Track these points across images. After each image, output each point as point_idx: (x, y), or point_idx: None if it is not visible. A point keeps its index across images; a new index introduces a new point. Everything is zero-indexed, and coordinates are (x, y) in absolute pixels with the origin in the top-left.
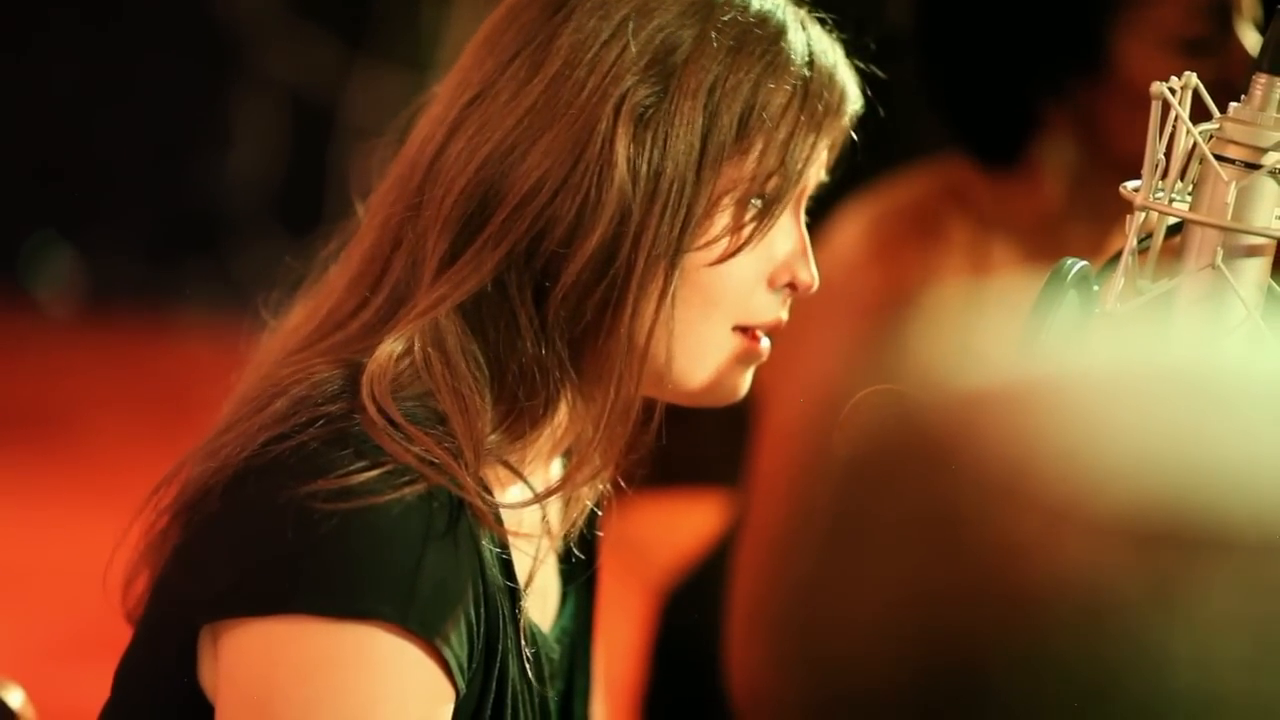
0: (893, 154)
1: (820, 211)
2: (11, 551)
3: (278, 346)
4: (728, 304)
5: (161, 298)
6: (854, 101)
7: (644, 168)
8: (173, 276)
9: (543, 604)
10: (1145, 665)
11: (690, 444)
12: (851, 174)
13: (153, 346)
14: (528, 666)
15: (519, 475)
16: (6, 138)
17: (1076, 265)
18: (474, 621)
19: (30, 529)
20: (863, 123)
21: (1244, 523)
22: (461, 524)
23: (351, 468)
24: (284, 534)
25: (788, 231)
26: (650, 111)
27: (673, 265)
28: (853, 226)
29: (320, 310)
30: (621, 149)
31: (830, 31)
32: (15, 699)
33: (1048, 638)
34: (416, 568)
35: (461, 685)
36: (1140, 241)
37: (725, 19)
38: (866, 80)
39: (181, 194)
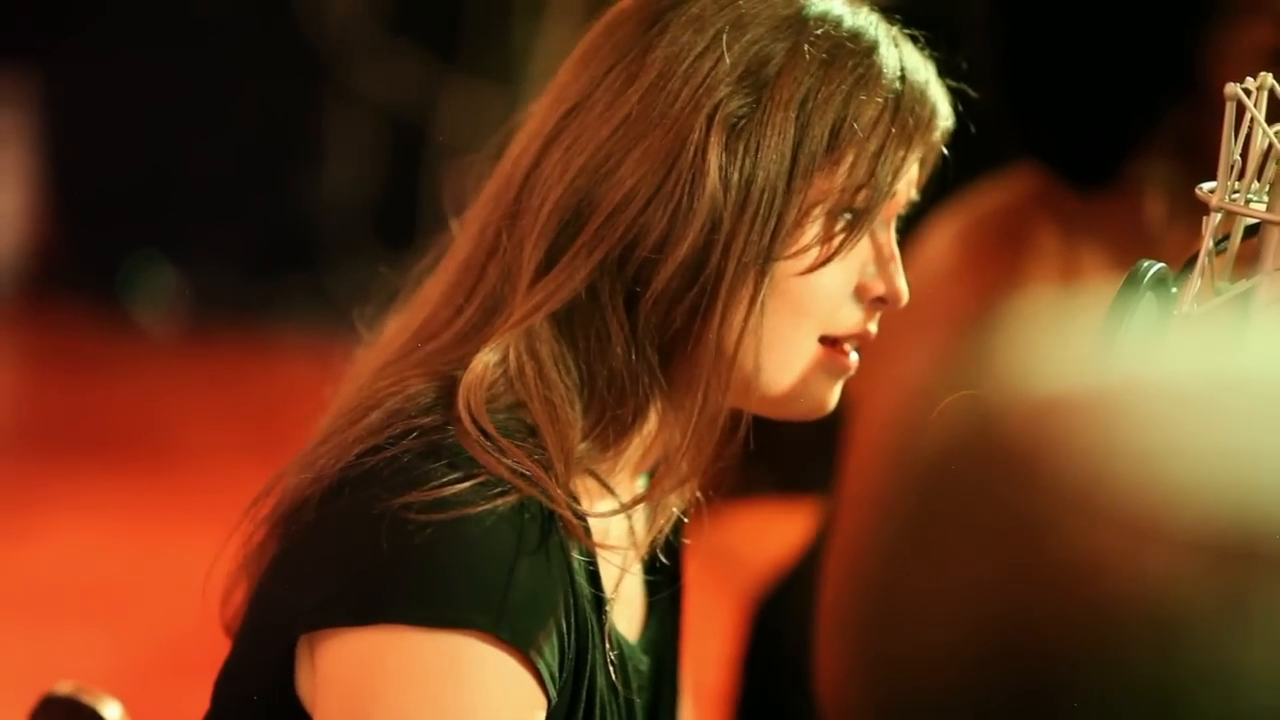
0: (982, 163)
1: (910, 221)
2: (114, 568)
3: (373, 360)
4: (816, 314)
5: (260, 316)
6: (945, 118)
7: (735, 176)
8: (271, 294)
9: (629, 614)
10: (1219, 681)
11: (781, 453)
12: (941, 184)
13: (251, 364)
14: (615, 677)
15: (606, 487)
16: (105, 160)
17: (1154, 268)
18: (565, 632)
19: (132, 546)
20: (954, 134)
21: None
22: (553, 536)
23: (445, 479)
24: (379, 545)
25: (879, 244)
26: (743, 122)
27: (762, 273)
28: (942, 236)
29: (415, 322)
30: (714, 158)
31: (922, 49)
32: (114, 713)
33: (1122, 650)
34: (509, 578)
35: (553, 695)
36: (1219, 244)
37: (818, 33)
38: (958, 96)
39: (278, 213)
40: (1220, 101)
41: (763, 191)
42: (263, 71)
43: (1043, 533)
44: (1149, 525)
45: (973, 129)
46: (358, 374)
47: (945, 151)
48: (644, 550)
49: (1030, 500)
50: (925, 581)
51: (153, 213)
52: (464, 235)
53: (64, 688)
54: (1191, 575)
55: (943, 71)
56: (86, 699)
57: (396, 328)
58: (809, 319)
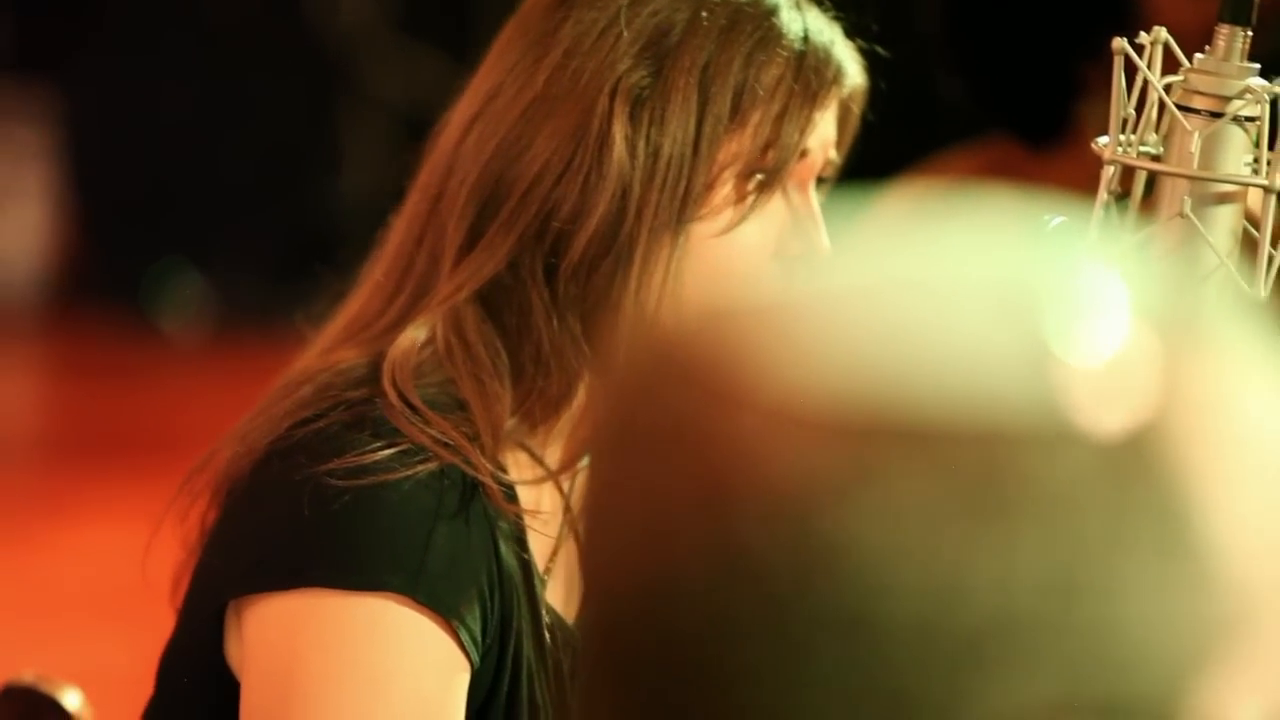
0: (941, 139)
1: (866, 191)
2: (141, 573)
3: (314, 349)
4: (738, 275)
5: (283, 319)
6: (852, 77)
7: (642, 145)
8: (293, 298)
9: (567, 593)
10: (844, 557)
11: None
12: (899, 156)
13: (277, 368)
14: (546, 649)
15: (538, 460)
16: (126, 171)
17: (1056, 221)
18: (488, 598)
19: (159, 552)
20: (912, 108)
21: (948, 413)
22: (475, 503)
23: (367, 448)
24: (300, 511)
25: (797, 204)
26: (646, 92)
27: (676, 235)
28: (899, 203)
29: (350, 311)
30: (619, 130)
31: (826, 11)
32: (74, 702)
33: (749, 535)
34: (426, 542)
35: (475, 659)
36: (1122, 199)
37: (718, 1)
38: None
39: (299, 216)
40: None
41: (670, 158)
42: (277, 77)
43: (694, 428)
44: (781, 409)
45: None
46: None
47: (860, 111)
48: (579, 524)
49: (685, 398)
50: (610, 482)
51: (175, 221)
52: (396, 225)
53: (26, 677)
54: (818, 455)
55: (852, 33)
56: (46, 688)
57: (336, 319)
58: (731, 280)
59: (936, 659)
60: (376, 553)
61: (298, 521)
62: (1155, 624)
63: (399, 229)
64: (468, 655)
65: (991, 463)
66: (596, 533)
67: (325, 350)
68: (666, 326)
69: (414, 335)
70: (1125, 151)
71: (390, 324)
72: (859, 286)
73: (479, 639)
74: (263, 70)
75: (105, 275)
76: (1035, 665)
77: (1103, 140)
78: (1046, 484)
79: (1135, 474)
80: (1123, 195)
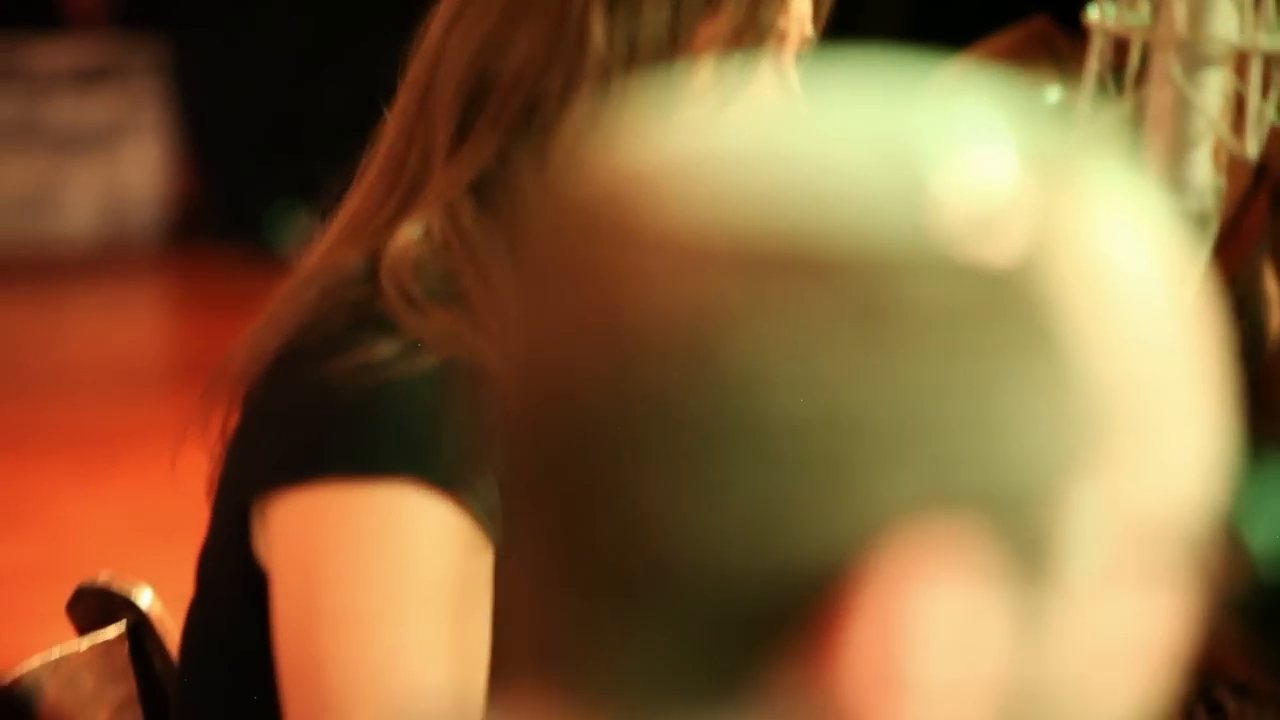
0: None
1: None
2: None
3: (315, 251)
4: None
5: None
6: None
7: (619, 37)
8: None
9: None
10: (733, 378)
11: None
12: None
13: None
14: None
15: None
16: (241, 112)
17: (1053, 93)
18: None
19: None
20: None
21: (835, 246)
22: (480, 391)
23: (372, 345)
24: (311, 410)
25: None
26: None
27: None
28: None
29: (348, 210)
30: (596, 22)
31: None
32: (145, 599)
33: (647, 360)
34: (436, 430)
35: (496, 535)
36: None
37: None
38: None
39: None
40: None
41: (648, 46)
42: (387, 14)
43: (596, 267)
44: (680, 245)
45: None
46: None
47: None
48: None
49: (591, 241)
50: (528, 317)
51: (289, 160)
52: (386, 129)
53: (100, 577)
54: (716, 286)
55: None
56: (119, 587)
57: (335, 220)
58: None
59: (817, 462)
60: (388, 442)
61: (309, 420)
62: (1024, 424)
63: (389, 127)
64: (488, 535)
65: (875, 290)
66: (506, 363)
67: (325, 251)
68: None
69: (410, 231)
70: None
71: (386, 221)
72: (755, 134)
73: (498, 518)
74: (374, 7)
75: (223, 214)
76: (910, 463)
77: (1093, 11)
78: (925, 308)
79: (1008, 299)
80: (1119, 68)
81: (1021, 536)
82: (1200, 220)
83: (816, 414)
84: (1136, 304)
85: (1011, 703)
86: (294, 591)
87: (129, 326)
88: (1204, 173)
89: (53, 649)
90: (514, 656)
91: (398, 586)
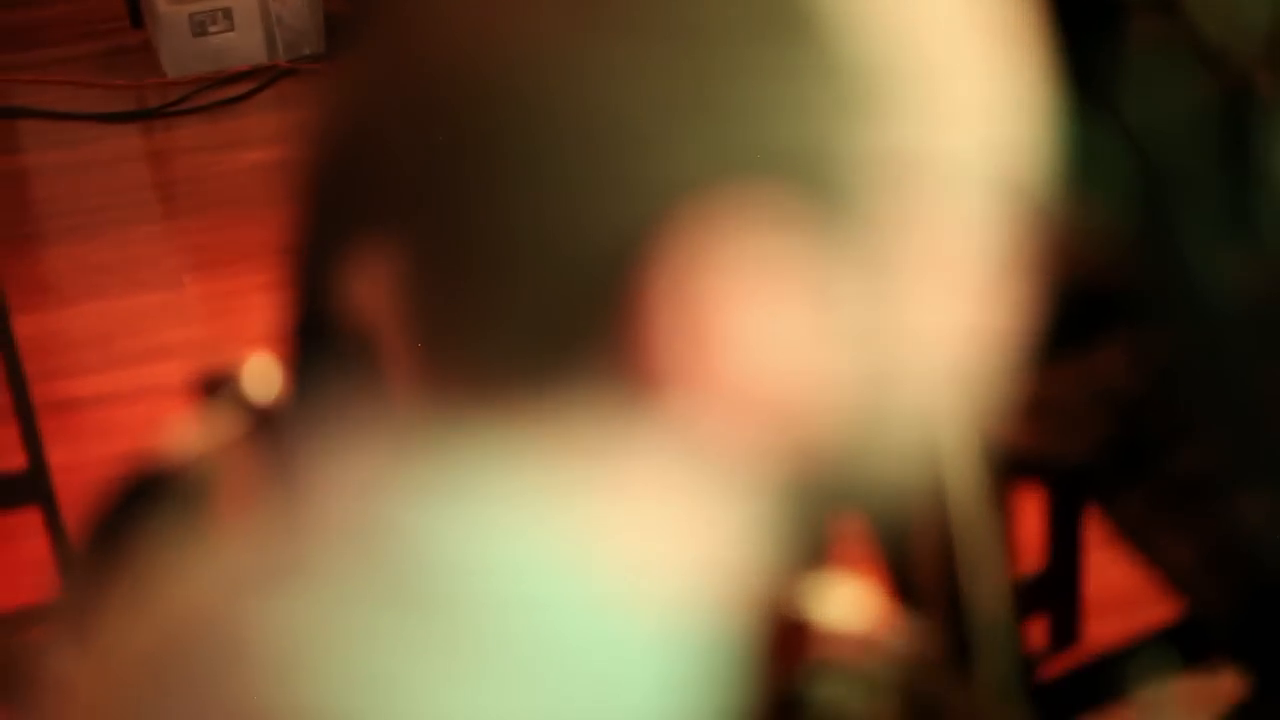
0: None
1: None
2: None
3: None
4: None
5: None
6: None
7: None
8: None
9: None
10: (527, 89)
11: None
12: None
13: None
14: None
15: None
16: None
17: None
18: None
19: None
20: None
21: None
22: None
23: None
24: None
25: None
26: None
27: None
28: None
29: None
30: None
31: None
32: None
33: (441, 79)
34: None
35: None
36: None
37: None
38: None
39: None
40: None
41: None
42: None
43: (402, 18)
44: None
45: None
46: None
47: None
48: None
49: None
50: (343, 75)
51: None
52: None
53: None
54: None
55: None
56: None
57: None
58: None
59: (600, 148)
60: None
61: None
62: (785, 105)
63: None
64: None
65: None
66: (322, 105)
67: None
68: None
69: None
70: None
71: None
72: None
73: None
74: None
75: None
76: (689, 140)
77: None
78: (687, 10)
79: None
80: None
81: (816, 195)
82: None
83: (597, 103)
84: None
85: (835, 352)
86: None
87: None
88: None
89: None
90: (386, 348)
91: None
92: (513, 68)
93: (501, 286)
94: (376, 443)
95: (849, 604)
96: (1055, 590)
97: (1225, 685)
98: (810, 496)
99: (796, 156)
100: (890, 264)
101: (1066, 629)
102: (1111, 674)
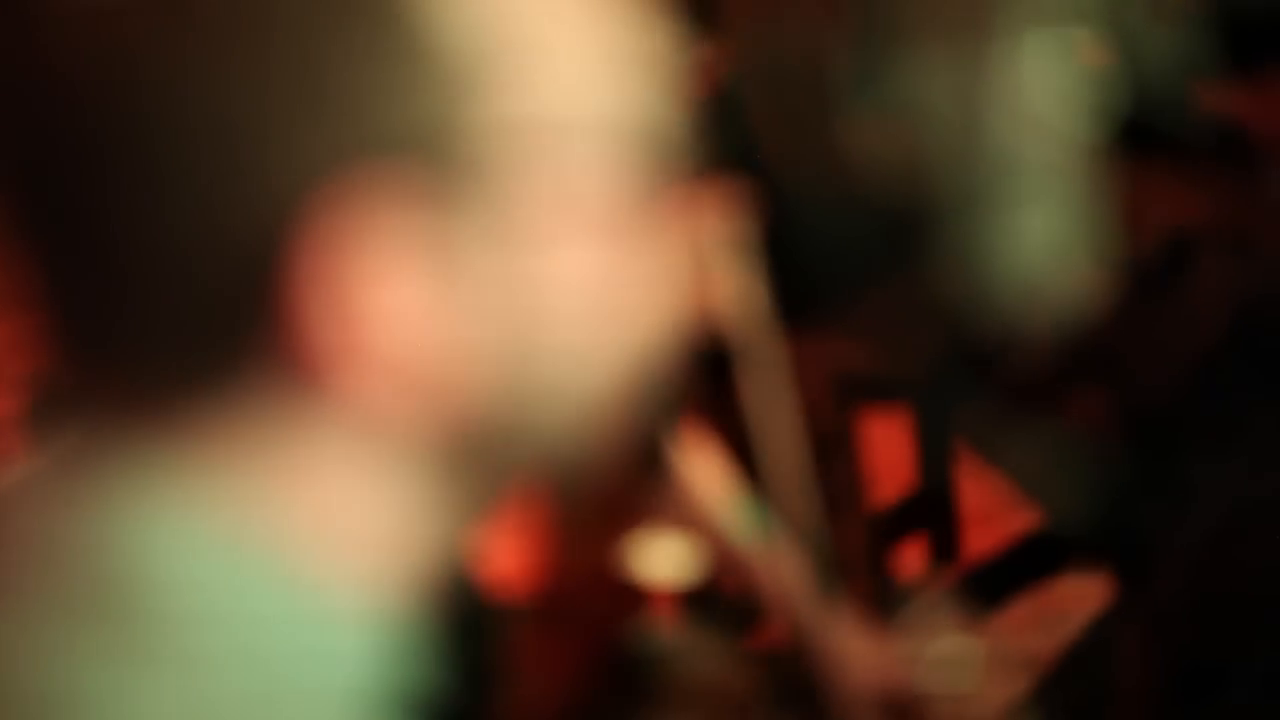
0: None
1: None
2: None
3: None
4: None
5: None
6: None
7: None
8: None
9: None
10: (150, 94)
11: None
12: None
13: None
14: None
15: None
16: None
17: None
18: None
19: None
20: None
21: None
22: None
23: None
24: None
25: None
26: None
27: None
28: None
29: None
30: None
31: None
32: None
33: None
34: None
35: None
36: None
37: None
38: None
39: None
40: None
41: None
42: None
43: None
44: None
45: None
46: None
47: None
48: None
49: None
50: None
51: None
52: None
53: None
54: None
55: None
56: None
57: None
58: None
59: (219, 149)
60: None
61: None
62: (391, 87)
63: None
64: None
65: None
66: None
67: None
68: None
69: None
70: None
71: None
72: None
73: None
74: None
75: None
76: (300, 136)
77: None
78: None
79: None
80: None
81: (438, 171)
82: None
83: (208, 104)
84: None
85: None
86: None
87: None
88: None
89: None
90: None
91: None
92: (123, 76)
93: (142, 294)
94: (50, 456)
95: (672, 561)
96: (930, 509)
97: (1089, 589)
98: (473, 465)
99: (412, 135)
100: (521, 237)
101: (945, 546)
102: (980, 586)
